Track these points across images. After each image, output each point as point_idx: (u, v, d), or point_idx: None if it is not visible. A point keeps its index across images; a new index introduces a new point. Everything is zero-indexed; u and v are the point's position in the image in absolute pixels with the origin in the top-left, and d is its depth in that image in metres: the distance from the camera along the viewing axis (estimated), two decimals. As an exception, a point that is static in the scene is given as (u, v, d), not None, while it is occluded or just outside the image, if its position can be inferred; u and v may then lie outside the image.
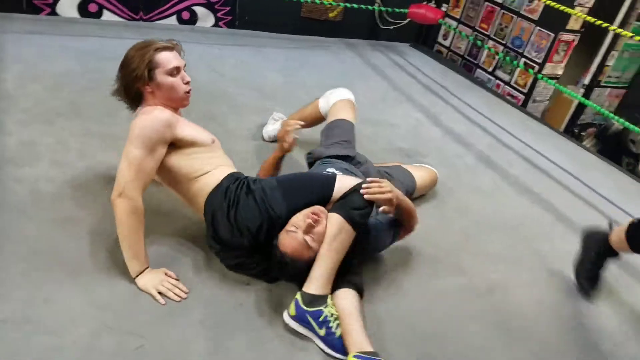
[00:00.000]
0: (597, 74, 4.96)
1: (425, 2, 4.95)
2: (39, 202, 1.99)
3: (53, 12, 3.77)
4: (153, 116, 1.73)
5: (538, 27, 4.45)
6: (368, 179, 1.74)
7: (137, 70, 1.74)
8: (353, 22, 4.79)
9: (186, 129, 1.82)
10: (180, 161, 1.79)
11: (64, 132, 2.45)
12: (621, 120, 3.51)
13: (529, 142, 3.53)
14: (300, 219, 1.69)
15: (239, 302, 1.74)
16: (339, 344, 1.60)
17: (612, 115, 3.82)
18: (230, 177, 1.82)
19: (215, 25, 4.35)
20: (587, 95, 4.90)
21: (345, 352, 1.58)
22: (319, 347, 1.62)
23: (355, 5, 4.48)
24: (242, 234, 1.73)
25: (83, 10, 3.85)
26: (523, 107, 4.54)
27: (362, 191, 1.68)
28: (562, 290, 2.17)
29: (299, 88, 3.59)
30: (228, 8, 4.32)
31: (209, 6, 4.25)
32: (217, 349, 1.57)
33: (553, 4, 3.81)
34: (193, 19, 4.25)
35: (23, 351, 1.43)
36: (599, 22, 3.59)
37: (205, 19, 4.30)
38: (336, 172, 1.98)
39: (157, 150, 1.72)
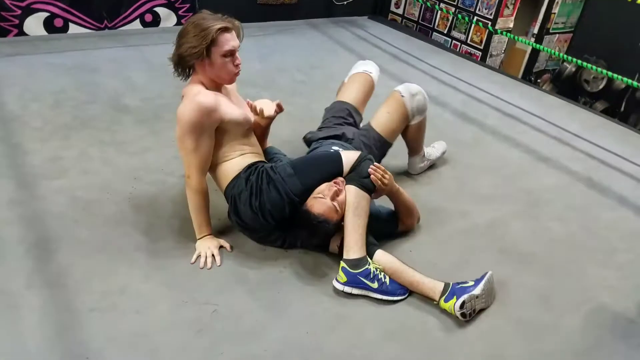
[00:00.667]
0: (544, 22, 5.27)
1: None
2: (82, 208, 2.14)
3: (21, 32, 3.78)
4: (196, 104, 1.79)
5: (486, -16, 4.69)
6: (375, 164, 1.94)
7: (197, 47, 1.77)
8: (309, 2, 4.93)
9: (228, 110, 1.89)
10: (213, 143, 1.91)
11: (81, 144, 2.57)
12: (576, 60, 3.81)
13: (496, 94, 3.79)
14: (325, 187, 1.89)
15: (279, 269, 1.95)
16: (392, 289, 1.84)
17: (566, 56, 4.12)
18: (250, 167, 1.96)
19: (178, 23, 4.40)
20: (538, 42, 5.21)
21: (398, 294, 1.84)
22: (376, 298, 1.83)
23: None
24: (267, 220, 1.91)
25: (49, 26, 3.86)
26: (482, 62, 4.80)
27: (369, 170, 1.91)
28: (552, 219, 2.43)
29: (277, 72, 3.75)
30: (188, 5, 4.38)
31: (169, 5, 4.31)
32: (273, 304, 1.79)
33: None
34: (156, 20, 4.30)
35: (117, 333, 1.60)
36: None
37: (168, 18, 4.35)
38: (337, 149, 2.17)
39: (207, 133, 1.85)
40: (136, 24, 4.21)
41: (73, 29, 3.96)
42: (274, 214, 1.90)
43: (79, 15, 3.94)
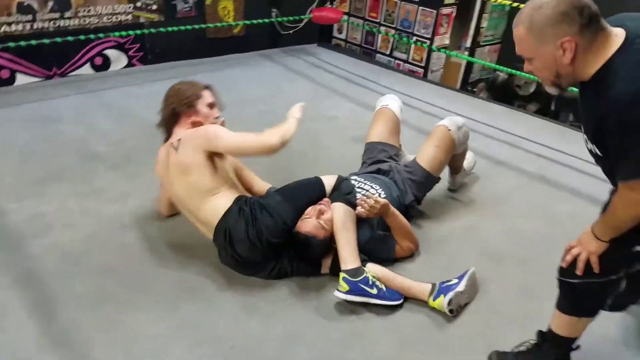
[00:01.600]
0: (475, 36, 5.69)
1: (325, 5, 5.38)
2: (74, 262, 2.13)
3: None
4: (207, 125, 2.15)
5: (421, 7, 5.02)
6: (361, 196, 2.11)
7: (189, 99, 2.17)
8: (256, 33, 5.08)
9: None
10: (207, 173, 2.03)
11: (58, 198, 2.55)
12: (507, 69, 4.19)
13: (444, 107, 4.06)
14: (310, 209, 2.06)
15: (284, 297, 2.05)
16: (389, 294, 1.98)
17: (498, 66, 4.49)
18: (239, 199, 2.07)
19: (129, 64, 4.40)
20: (471, 55, 5.60)
21: (395, 299, 1.98)
22: (376, 304, 1.96)
23: (255, 21, 4.80)
24: (264, 246, 2.00)
25: (-5, 78, 3.76)
26: (425, 77, 5.11)
27: (357, 202, 2.09)
28: (518, 217, 2.66)
29: (242, 104, 3.85)
30: (138, 45, 4.40)
31: (119, 47, 4.30)
32: (287, 332, 1.87)
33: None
34: (106, 63, 4.28)
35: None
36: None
37: (118, 60, 4.34)
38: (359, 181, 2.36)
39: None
40: (87, 68, 4.17)
41: (20, 79, 3.88)
42: (270, 240, 1.99)
43: (26, 64, 3.87)
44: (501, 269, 2.25)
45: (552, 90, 1.42)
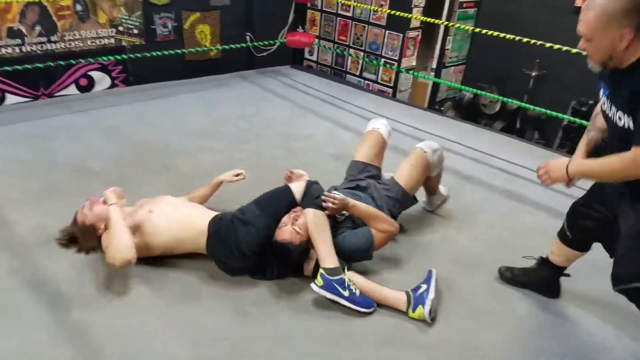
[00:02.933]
0: (440, 57, 6.04)
1: (297, 30, 5.65)
2: (82, 268, 2.28)
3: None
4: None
5: (388, 31, 5.33)
6: (325, 194, 2.27)
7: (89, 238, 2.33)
8: (232, 56, 5.29)
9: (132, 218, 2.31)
10: (154, 244, 2.26)
11: (58, 210, 2.66)
12: (471, 89, 4.50)
13: (414, 125, 4.33)
14: (285, 217, 2.27)
15: (274, 300, 2.24)
16: (360, 300, 2.15)
17: (463, 86, 4.82)
18: (212, 221, 2.26)
19: (112, 85, 4.53)
20: (437, 76, 5.94)
21: (365, 306, 2.14)
22: (345, 306, 2.14)
23: (233, 46, 5.03)
24: (248, 256, 2.20)
25: (-17, 98, 3.84)
26: (394, 97, 5.40)
27: (322, 198, 2.24)
28: (485, 228, 2.94)
29: (222, 123, 4.04)
30: (120, 67, 4.53)
31: (102, 69, 4.44)
32: (280, 330, 2.07)
33: (393, 12, 4.67)
34: (91, 84, 4.41)
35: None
36: (431, 20, 4.54)
37: (102, 81, 4.47)
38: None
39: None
40: (72, 89, 4.29)
41: (10, 99, 3.99)
42: (254, 249, 2.19)
43: (15, 85, 3.98)
44: (473, 275, 2.49)
45: (595, 68, 1.72)
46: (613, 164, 1.64)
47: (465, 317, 2.20)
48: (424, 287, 2.18)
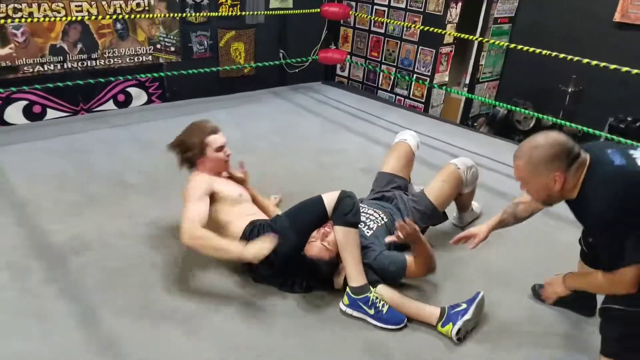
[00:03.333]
0: (474, 73, 5.99)
1: (330, 47, 5.73)
2: (115, 276, 2.34)
3: (2, 122, 3.92)
4: (194, 179, 2.36)
5: (420, 47, 5.32)
6: (400, 222, 2.17)
7: (195, 150, 2.40)
8: (265, 72, 5.38)
9: (222, 186, 2.39)
10: (212, 211, 2.31)
11: (95, 219, 2.76)
12: (505, 105, 4.43)
13: (447, 140, 4.30)
14: (315, 232, 2.26)
15: (302, 314, 2.23)
16: (387, 317, 2.12)
17: (497, 102, 4.76)
18: (251, 224, 2.30)
19: (149, 101, 4.67)
20: (470, 91, 5.89)
21: (392, 322, 2.11)
22: (372, 324, 2.12)
23: (266, 63, 5.12)
24: (274, 266, 2.21)
25: (28, 113, 4.04)
26: (426, 112, 5.37)
27: (397, 225, 2.18)
28: (519, 244, 2.87)
29: (255, 138, 4.09)
30: (157, 83, 4.67)
31: (140, 86, 4.58)
32: (309, 343, 2.06)
33: (427, 28, 4.67)
34: (128, 100, 4.55)
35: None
36: (464, 35, 4.51)
37: (139, 97, 4.61)
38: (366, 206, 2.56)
39: (203, 199, 2.26)
40: (110, 105, 4.44)
41: (51, 114, 4.15)
42: (280, 261, 2.20)
43: (55, 100, 4.14)
44: (506, 292, 2.42)
45: (544, 206, 1.94)
46: (597, 280, 1.76)
47: (499, 336, 2.14)
48: (464, 306, 2.12)
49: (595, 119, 5.21)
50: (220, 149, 2.43)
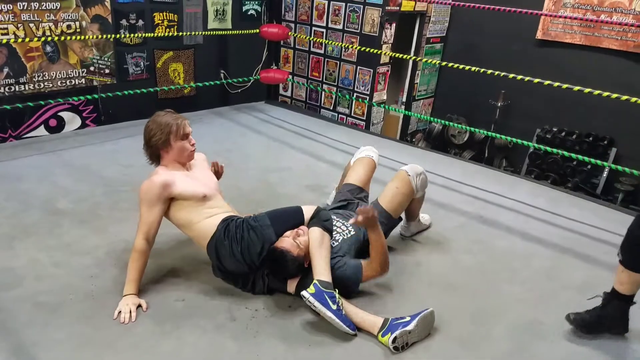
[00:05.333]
0: (410, 91, 6.21)
1: (272, 67, 5.75)
2: (49, 312, 2.19)
3: None
4: (150, 181, 2.28)
5: (359, 67, 5.46)
6: (361, 208, 2.33)
7: (156, 137, 2.33)
8: (206, 93, 5.32)
9: (181, 186, 2.32)
10: (177, 213, 2.33)
11: (28, 252, 2.60)
12: (440, 120, 4.62)
13: (388, 155, 4.38)
14: (289, 232, 2.32)
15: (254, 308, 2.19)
16: (345, 319, 2.15)
17: (433, 118, 4.95)
18: (224, 221, 2.33)
19: (83, 125, 4.49)
20: (408, 109, 6.09)
21: (348, 325, 2.14)
22: (329, 320, 2.12)
23: (207, 83, 5.07)
24: (246, 263, 2.27)
25: (-51, 141, 3.75)
26: (367, 129, 5.49)
27: (358, 210, 2.32)
28: (462, 252, 2.96)
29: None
30: (91, 107, 4.51)
31: (73, 109, 4.41)
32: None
33: (363, 48, 4.83)
34: (61, 125, 4.36)
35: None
36: (399, 55, 4.70)
37: (72, 121, 4.43)
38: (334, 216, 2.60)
39: (158, 206, 2.27)
40: (41, 130, 4.24)
41: (-25, 141, 3.90)
42: (253, 258, 2.25)
43: (-20, 127, 3.90)
44: (450, 298, 2.49)
45: None
46: None
47: (447, 342, 2.19)
48: (407, 319, 2.16)
49: (524, 130, 5.53)
50: (185, 136, 2.36)
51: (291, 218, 2.36)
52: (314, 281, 2.17)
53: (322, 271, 2.21)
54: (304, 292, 2.13)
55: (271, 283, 2.36)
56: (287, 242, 2.28)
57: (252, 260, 2.27)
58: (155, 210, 2.26)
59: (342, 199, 2.84)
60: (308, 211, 2.37)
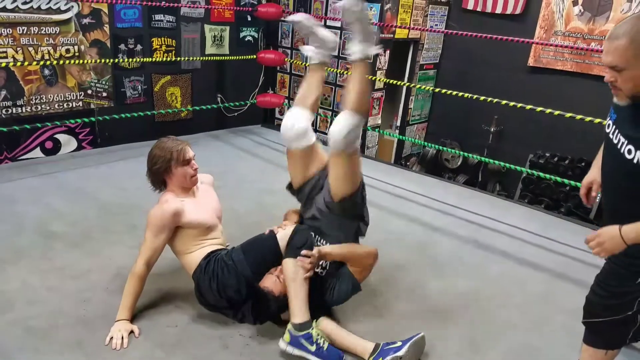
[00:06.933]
0: (404, 116, 6.28)
1: (268, 92, 5.81)
2: (40, 337, 2.17)
3: None
4: (161, 209, 2.25)
5: (354, 91, 5.51)
6: (302, 254, 2.16)
7: (159, 163, 2.31)
8: (203, 116, 5.36)
9: (190, 216, 2.30)
10: (175, 239, 2.33)
11: (20, 275, 2.58)
12: (434, 145, 4.66)
13: (383, 179, 4.42)
14: (273, 269, 2.31)
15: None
16: (326, 354, 2.11)
17: (426, 143, 4.99)
18: (208, 256, 2.32)
19: (79, 147, 4.51)
20: (402, 133, 6.15)
21: (333, 359, 2.10)
22: None
23: (204, 107, 5.11)
24: (224, 299, 2.26)
25: (-56, 163, 3.75)
26: (362, 153, 5.53)
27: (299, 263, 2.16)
28: (456, 277, 2.96)
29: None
30: (88, 129, 4.53)
31: (69, 132, 4.42)
32: None
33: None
34: (57, 147, 4.37)
35: None
36: (394, 81, 4.78)
37: (68, 144, 4.45)
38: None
39: (164, 234, 2.26)
40: (37, 152, 4.25)
41: (-30, 164, 3.90)
42: (230, 294, 2.24)
43: (-25, 149, 3.91)
44: (447, 325, 2.48)
45: (623, 102, 1.55)
46: None
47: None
48: (399, 344, 2.14)
49: (516, 155, 5.58)
50: (186, 162, 2.32)
51: (264, 246, 2.29)
52: (288, 327, 2.15)
53: (296, 310, 2.15)
54: (280, 343, 2.14)
55: (263, 317, 2.33)
56: (270, 280, 2.27)
57: (229, 297, 2.25)
58: (162, 237, 2.25)
59: (313, 214, 2.50)
60: (283, 236, 2.25)
